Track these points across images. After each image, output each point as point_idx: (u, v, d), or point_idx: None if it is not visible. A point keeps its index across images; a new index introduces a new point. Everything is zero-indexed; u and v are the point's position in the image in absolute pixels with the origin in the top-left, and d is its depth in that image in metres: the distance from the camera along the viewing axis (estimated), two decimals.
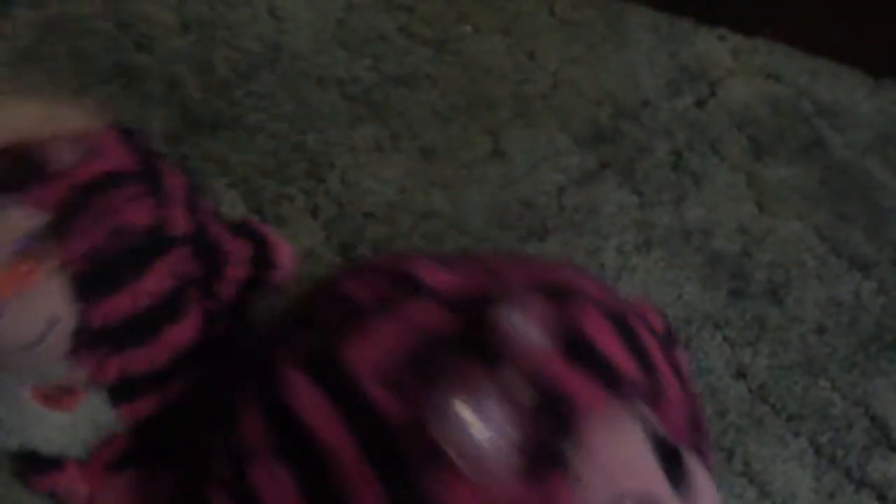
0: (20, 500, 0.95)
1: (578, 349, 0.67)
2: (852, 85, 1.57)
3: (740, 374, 1.20)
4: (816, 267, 1.32)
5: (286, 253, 0.97)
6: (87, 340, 0.79)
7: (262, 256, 0.95)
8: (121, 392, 0.86)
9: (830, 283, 1.31)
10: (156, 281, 0.80)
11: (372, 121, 1.32)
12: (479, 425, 0.60)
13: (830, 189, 1.41)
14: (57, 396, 0.86)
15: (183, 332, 0.84)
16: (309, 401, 0.67)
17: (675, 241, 1.29)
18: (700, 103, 1.47)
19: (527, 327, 0.64)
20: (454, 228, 1.24)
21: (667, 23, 1.55)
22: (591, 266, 1.24)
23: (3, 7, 1.30)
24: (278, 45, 1.37)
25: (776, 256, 1.31)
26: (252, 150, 1.25)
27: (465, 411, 0.60)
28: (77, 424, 0.89)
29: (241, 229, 0.95)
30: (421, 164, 1.29)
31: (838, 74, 1.58)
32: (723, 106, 1.47)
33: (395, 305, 0.69)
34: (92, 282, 0.77)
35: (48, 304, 0.76)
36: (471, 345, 0.65)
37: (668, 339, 0.78)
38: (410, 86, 1.38)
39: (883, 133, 1.50)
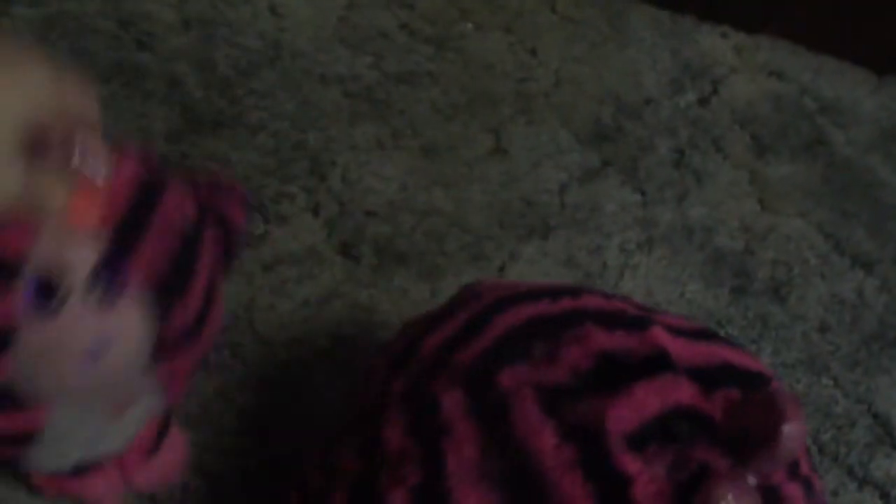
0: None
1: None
2: (855, 82, 1.57)
3: None
4: (819, 264, 1.32)
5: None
6: (163, 351, 0.78)
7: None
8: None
9: (833, 280, 1.31)
10: (205, 272, 0.80)
11: (373, 119, 1.32)
12: None
13: (833, 186, 1.41)
14: (118, 410, 0.85)
15: (218, 312, 0.83)
16: (550, 443, 0.68)
17: (677, 239, 1.29)
18: (702, 101, 1.47)
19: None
20: (455, 226, 1.24)
21: (669, 20, 1.55)
22: (593, 264, 1.24)
23: (3, 5, 1.30)
24: (279, 42, 1.37)
25: (779, 254, 1.31)
26: (253, 148, 1.25)
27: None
28: (125, 427, 0.88)
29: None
30: (422, 162, 1.29)
31: (841, 72, 1.58)
32: (725, 103, 1.47)
33: (653, 374, 0.70)
34: (164, 296, 0.75)
35: (131, 328, 0.75)
36: (708, 424, 0.69)
37: None
38: (411, 83, 1.37)
39: (885, 130, 1.50)
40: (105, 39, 1.30)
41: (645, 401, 0.68)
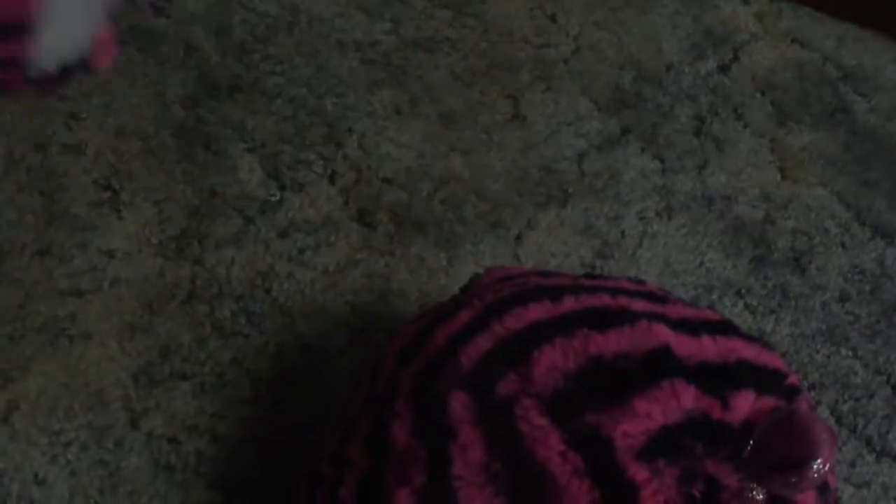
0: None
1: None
2: (878, 50, 1.56)
3: None
4: (839, 234, 1.31)
5: None
6: None
7: None
8: None
9: (853, 250, 1.30)
10: None
11: (391, 85, 1.31)
12: None
13: (854, 155, 1.40)
14: None
15: None
16: (556, 450, 0.69)
17: (696, 208, 1.29)
18: (723, 68, 1.46)
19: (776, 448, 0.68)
20: (473, 194, 1.23)
21: None
22: (611, 233, 1.23)
23: None
24: (296, 7, 1.36)
25: (799, 223, 1.30)
26: (270, 114, 1.25)
27: None
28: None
29: None
30: (440, 128, 1.29)
31: (863, 39, 1.56)
32: (746, 71, 1.46)
33: (654, 381, 0.70)
34: None
35: None
36: (721, 436, 0.69)
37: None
38: (430, 49, 1.37)
39: None
40: (121, 4, 1.29)
41: (647, 414, 0.68)
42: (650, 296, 0.82)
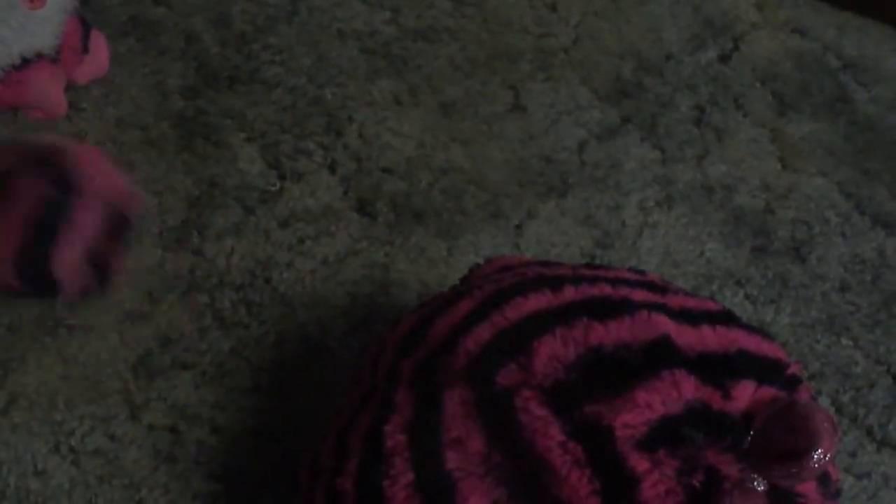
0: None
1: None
2: (878, 39, 1.55)
3: None
4: (840, 224, 1.31)
5: None
6: None
7: None
8: None
9: (854, 240, 1.30)
10: None
11: (391, 75, 1.31)
12: None
13: (855, 145, 1.40)
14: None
15: None
16: (557, 440, 0.69)
17: (697, 198, 1.28)
18: (724, 58, 1.45)
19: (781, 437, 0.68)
20: (473, 184, 1.23)
21: None
22: (611, 223, 1.23)
23: None
24: None
25: (799, 213, 1.30)
26: (269, 104, 1.25)
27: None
28: (49, 18, 1.10)
29: None
30: (440, 118, 1.28)
31: (864, 29, 1.56)
32: (747, 60, 1.46)
33: (655, 371, 0.70)
34: None
35: None
36: (722, 427, 0.69)
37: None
38: (430, 39, 1.36)
39: None
40: None
41: (648, 404, 0.68)
42: (651, 286, 0.82)
